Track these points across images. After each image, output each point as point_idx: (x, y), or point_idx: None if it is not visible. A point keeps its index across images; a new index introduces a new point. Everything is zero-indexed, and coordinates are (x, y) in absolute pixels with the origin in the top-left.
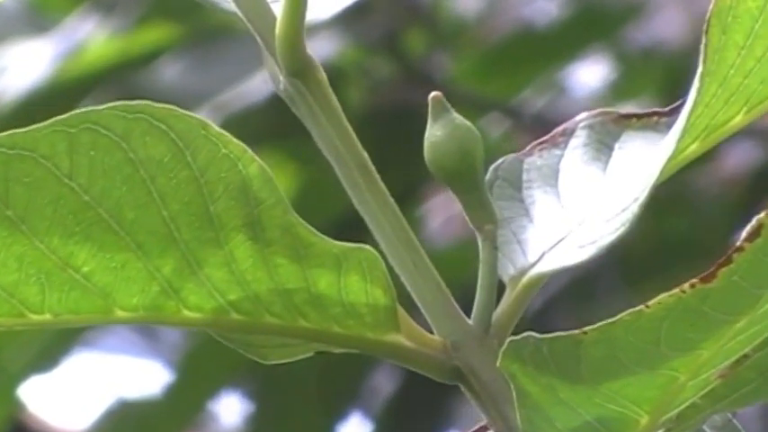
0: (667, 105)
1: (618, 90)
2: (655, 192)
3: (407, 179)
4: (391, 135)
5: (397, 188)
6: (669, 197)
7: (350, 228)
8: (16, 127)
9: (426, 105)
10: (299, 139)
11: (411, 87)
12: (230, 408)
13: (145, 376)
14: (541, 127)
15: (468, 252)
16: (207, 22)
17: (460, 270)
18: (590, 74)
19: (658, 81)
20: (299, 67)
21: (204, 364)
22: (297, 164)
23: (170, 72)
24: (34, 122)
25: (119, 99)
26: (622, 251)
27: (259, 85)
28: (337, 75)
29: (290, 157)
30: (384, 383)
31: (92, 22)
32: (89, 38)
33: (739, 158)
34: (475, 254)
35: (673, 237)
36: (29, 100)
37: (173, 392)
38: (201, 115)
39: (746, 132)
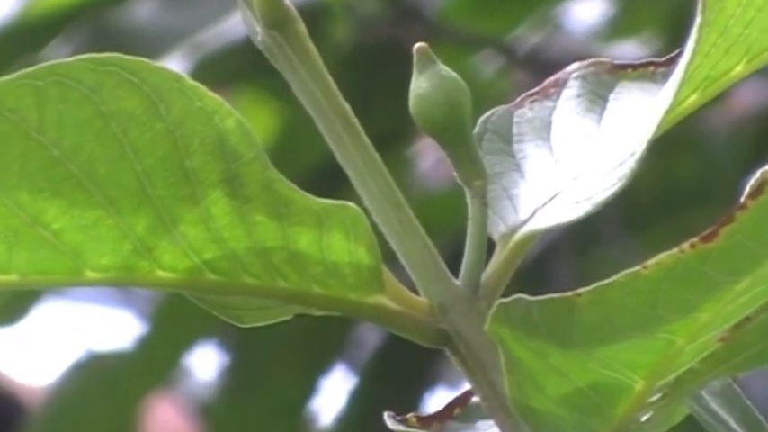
0: (668, 44)
1: (617, 27)
2: (661, 133)
3: (396, 118)
4: (379, 73)
5: (386, 127)
6: (676, 139)
7: (329, 174)
8: None
9: (415, 43)
10: (279, 80)
11: (399, 24)
12: (205, 361)
13: (116, 328)
14: (536, 65)
15: (460, 195)
16: None
17: (453, 213)
18: (587, 9)
19: (660, 17)
20: (277, 18)
21: (178, 316)
22: (277, 105)
23: (144, 11)
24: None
25: (90, 39)
26: (627, 196)
27: (236, 23)
28: (322, 12)
29: (270, 98)
30: (369, 336)
31: None
32: None
33: (749, 98)
34: (465, 197)
35: (680, 180)
36: None
37: (145, 345)
38: (177, 57)
39: (756, 72)
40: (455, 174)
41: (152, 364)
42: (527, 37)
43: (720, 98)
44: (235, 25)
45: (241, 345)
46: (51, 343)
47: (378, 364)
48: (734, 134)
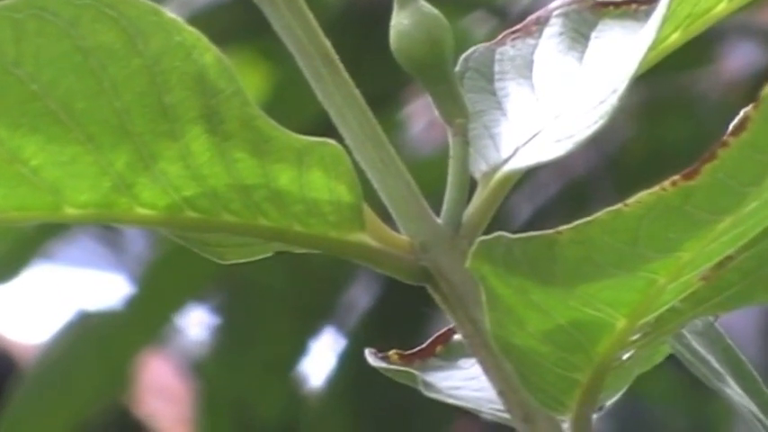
0: None
1: None
2: (651, 95)
3: (386, 82)
4: (368, 36)
5: (376, 91)
6: (667, 102)
7: (321, 131)
8: None
9: None
10: (271, 37)
11: None
12: (196, 321)
13: (107, 288)
14: None
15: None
16: None
17: (443, 176)
18: None
19: None
20: None
21: (169, 276)
22: (269, 63)
23: None
24: None
25: None
26: (617, 159)
27: None
28: None
29: (261, 56)
30: (359, 298)
31: None
32: None
33: (740, 61)
34: None
35: (671, 144)
36: None
37: (136, 305)
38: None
39: (747, 33)
40: (436, 111)
41: (143, 322)
42: None
43: (711, 60)
44: None
45: (232, 305)
46: (43, 304)
47: (367, 326)
48: (724, 98)
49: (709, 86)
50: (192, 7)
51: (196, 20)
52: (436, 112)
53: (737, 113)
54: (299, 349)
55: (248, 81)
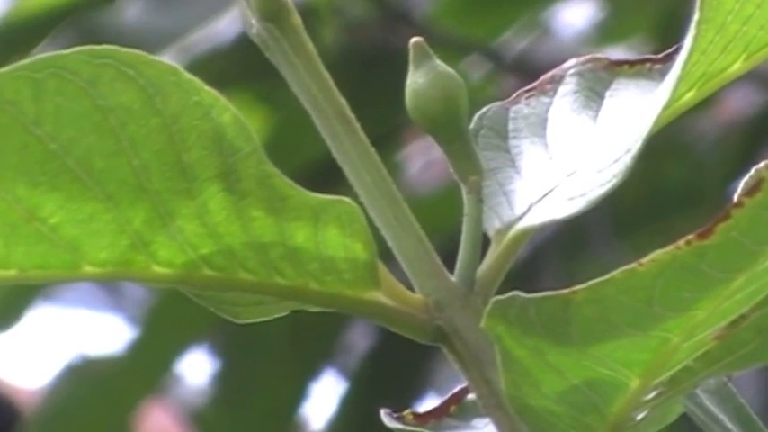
0: (659, 48)
1: (606, 32)
2: (651, 137)
3: (385, 123)
4: (367, 77)
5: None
6: (665, 142)
7: (324, 175)
8: None
9: (404, 46)
10: (270, 82)
11: (387, 27)
12: (196, 366)
13: (107, 332)
14: (524, 70)
15: (448, 198)
16: None
17: (441, 217)
18: (576, 14)
19: (650, 22)
20: (273, 10)
21: (170, 320)
22: (268, 108)
23: (133, 11)
24: None
25: (78, 40)
26: (615, 199)
27: (228, 24)
28: (310, 13)
29: (260, 101)
30: (359, 340)
31: None
32: None
33: (738, 103)
34: (456, 199)
35: (669, 184)
36: None
37: (137, 350)
38: (167, 57)
39: (746, 76)
40: (451, 169)
41: (144, 368)
42: (515, 42)
43: (710, 102)
44: (224, 27)
45: (232, 350)
46: (44, 347)
47: (368, 369)
48: (721, 138)
49: (707, 127)
50: (193, 52)
51: (196, 64)
52: (435, 155)
53: (733, 154)
54: (299, 393)
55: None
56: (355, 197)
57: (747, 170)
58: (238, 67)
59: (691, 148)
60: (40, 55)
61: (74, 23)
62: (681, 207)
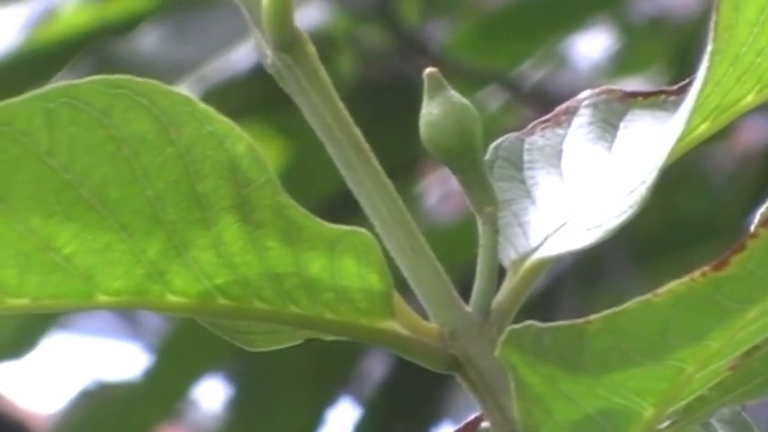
0: (675, 79)
1: (622, 63)
2: (666, 168)
3: (403, 153)
4: (385, 107)
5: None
6: (682, 174)
7: (340, 204)
8: None
9: (421, 76)
10: (286, 112)
11: (405, 58)
12: (212, 392)
13: (123, 359)
14: (541, 100)
15: (466, 229)
16: None
17: (459, 248)
18: (593, 45)
19: (666, 53)
20: (287, 41)
21: (185, 347)
22: (284, 137)
23: (149, 41)
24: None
25: (96, 69)
26: (632, 229)
27: (243, 54)
28: (327, 44)
29: (276, 131)
30: (375, 368)
31: None
32: (63, 4)
33: (754, 134)
34: (473, 230)
35: (685, 215)
36: (0, 68)
37: (152, 376)
38: (183, 87)
39: (761, 108)
40: (466, 200)
41: (159, 394)
42: (532, 72)
43: (725, 134)
44: (240, 57)
45: (247, 376)
46: (60, 373)
47: (383, 396)
48: (738, 170)
49: (723, 159)
50: (210, 81)
51: (213, 93)
52: (453, 186)
53: (750, 186)
54: (314, 420)
55: (264, 154)
56: (371, 227)
57: (763, 201)
58: (255, 97)
59: (707, 180)
60: (53, 84)
61: (92, 52)
62: (697, 237)
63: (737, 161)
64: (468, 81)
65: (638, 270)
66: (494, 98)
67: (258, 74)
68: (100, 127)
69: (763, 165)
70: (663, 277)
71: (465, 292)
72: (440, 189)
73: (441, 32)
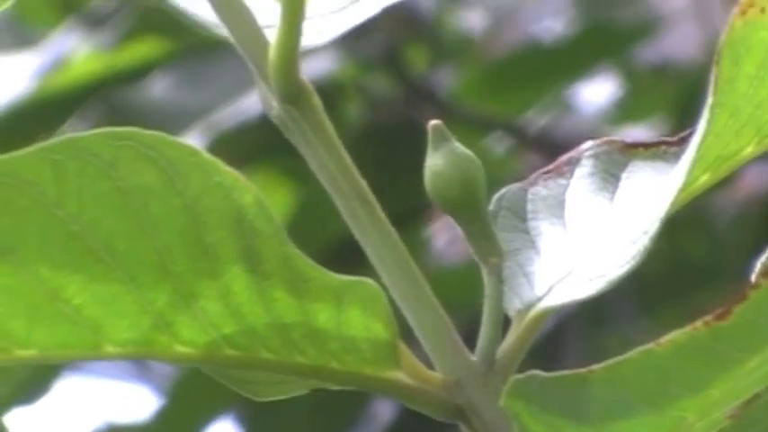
0: (678, 126)
1: (625, 110)
2: (670, 211)
3: (411, 198)
4: (393, 153)
5: (401, 208)
6: (685, 219)
7: (346, 250)
8: None
9: (427, 123)
10: (293, 159)
11: (412, 104)
12: None
13: (134, 402)
14: (546, 146)
15: (473, 272)
16: (197, 37)
17: (466, 290)
18: (597, 92)
19: (669, 100)
20: (292, 93)
21: (195, 390)
22: (291, 183)
23: (159, 89)
24: (16, 138)
25: (106, 116)
26: (636, 274)
27: (251, 102)
28: (335, 91)
29: (284, 178)
30: (383, 410)
31: (77, 37)
32: (74, 52)
33: (756, 180)
34: (480, 274)
35: (689, 259)
36: (11, 115)
37: (162, 419)
38: (192, 134)
39: (763, 154)
40: (471, 250)
41: None
42: (537, 118)
43: (727, 180)
44: (249, 104)
45: (257, 419)
46: (71, 415)
47: None
48: (741, 215)
49: (725, 204)
50: (218, 129)
51: (221, 141)
52: (458, 229)
53: (753, 231)
54: None
55: (271, 200)
56: (374, 271)
57: (765, 246)
58: (263, 144)
59: (710, 225)
60: (61, 137)
61: (102, 99)
62: (701, 281)
63: (739, 206)
64: (475, 127)
65: (643, 313)
66: (499, 144)
67: (267, 120)
68: (107, 178)
69: (765, 210)
70: (668, 322)
71: (471, 335)
72: (447, 233)
73: (447, 79)
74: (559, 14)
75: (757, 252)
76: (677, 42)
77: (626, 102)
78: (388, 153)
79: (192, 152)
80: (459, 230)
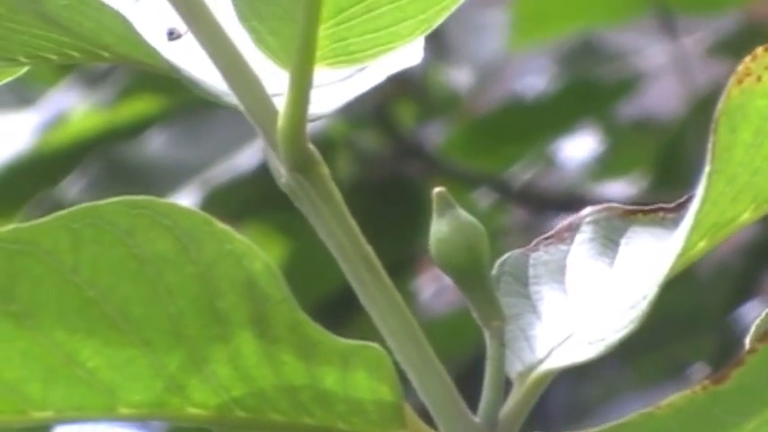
0: (658, 180)
1: (606, 165)
2: (668, 278)
3: (399, 251)
4: (382, 207)
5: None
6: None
7: (337, 304)
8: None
9: (416, 177)
10: (284, 213)
11: (401, 160)
12: None
13: None
14: (530, 199)
15: (460, 321)
16: (192, 94)
17: (454, 339)
18: (579, 147)
19: (649, 155)
20: (301, 161)
21: None
22: (282, 237)
23: (156, 145)
24: (17, 193)
25: (105, 172)
26: None
27: (244, 157)
28: (326, 146)
29: (275, 231)
30: None
31: (76, 94)
32: (73, 109)
33: (738, 234)
34: (467, 322)
35: (670, 311)
36: (12, 170)
37: None
38: (189, 189)
39: None
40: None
41: None
42: (521, 172)
43: None
44: (242, 159)
45: None
46: None
47: None
48: (722, 268)
49: (707, 257)
50: (213, 183)
51: (217, 195)
52: (445, 280)
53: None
54: None
55: (266, 252)
56: (370, 324)
57: (749, 296)
58: (255, 199)
59: (692, 277)
60: (78, 206)
61: (101, 155)
62: (684, 334)
63: (721, 259)
64: (462, 181)
65: (626, 365)
66: (485, 197)
67: (257, 175)
68: (123, 246)
69: (746, 262)
70: (652, 371)
71: (459, 383)
72: (434, 284)
73: (435, 135)
74: (543, 72)
75: (738, 304)
76: (657, 98)
77: (607, 157)
78: (378, 207)
79: (206, 221)
80: (446, 281)
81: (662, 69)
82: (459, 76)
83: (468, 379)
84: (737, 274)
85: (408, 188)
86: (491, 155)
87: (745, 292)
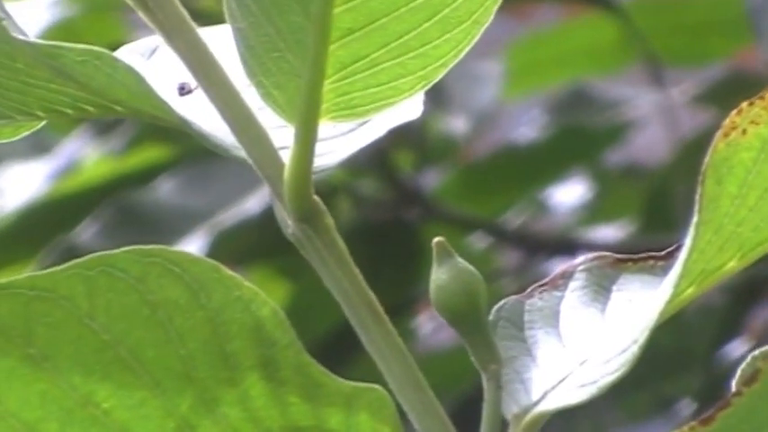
0: (646, 225)
1: (596, 209)
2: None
3: (398, 293)
4: (382, 250)
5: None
6: None
7: (341, 342)
8: (12, 243)
9: (414, 221)
10: (290, 256)
11: (399, 205)
12: None
13: None
14: (523, 243)
15: (458, 358)
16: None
17: (451, 375)
18: (569, 193)
19: (637, 201)
20: (307, 212)
21: None
22: (287, 278)
23: (166, 191)
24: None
25: (115, 219)
26: None
27: (250, 203)
28: (327, 192)
29: (278, 274)
30: None
31: (88, 143)
32: (85, 157)
33: None
34: (465, 358)
35: (657, 348)
36: (27, 216)
37: None
38: (198, 234)
39: None
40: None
41: None
42: (514, 217)
43: None
44: (248, 205)
45: None
46: None
47: None
48: (708, 307)
49: (694, 301)
50: (218, 228)
51: (224, 239)
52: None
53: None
54: None
55: (269, 295)
56: (371, 363)
57: (734, 334)
58: (262, 242)
59: (680, 314)
60: (93, 254)
61: (112, 202)
62: (671, 371)
63: (707, 300)
64: (457, 226)
65: (614, 402)
66: (480, 241)
67: (261, 221)
68: (135, 293)
69: (731, 303)
70: (637, 409)
71: (456, 421)
72: (433, 321)
73: (432, 181)
74: (534, 120)
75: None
76: (645, 146)
77: (596, 202)
78: (377, 250)
79: (215, 268)
80: (441, 320)
81: (649, 118)
82: (456, 124)
83: (465, 417)
84: (722, 314)
85: (406, 232)
86: (486, 200)
87: (729, 330)
